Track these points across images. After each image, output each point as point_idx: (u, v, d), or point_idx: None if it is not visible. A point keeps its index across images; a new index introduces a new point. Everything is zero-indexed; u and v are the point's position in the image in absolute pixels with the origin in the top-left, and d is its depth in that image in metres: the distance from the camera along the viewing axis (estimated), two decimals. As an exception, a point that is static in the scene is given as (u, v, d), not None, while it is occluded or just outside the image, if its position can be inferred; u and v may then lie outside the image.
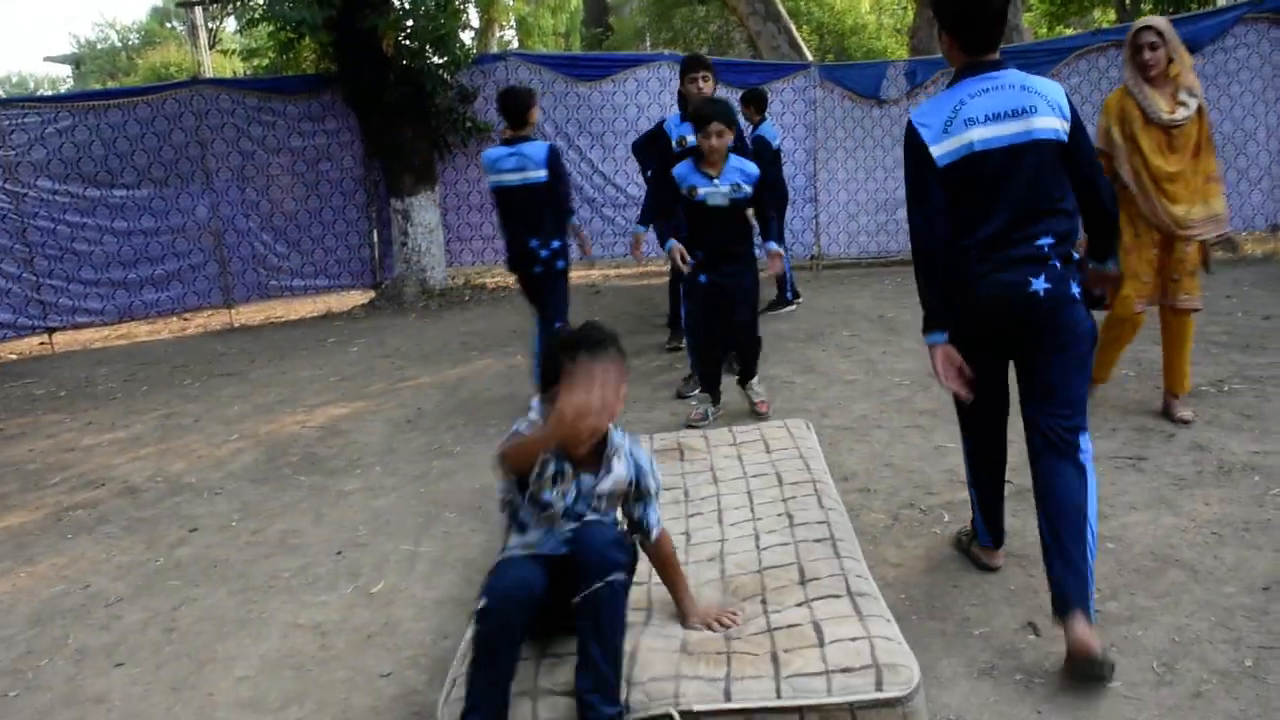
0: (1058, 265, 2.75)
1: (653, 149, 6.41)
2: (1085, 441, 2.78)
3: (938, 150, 2.80)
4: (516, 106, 5.38)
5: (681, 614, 2.65)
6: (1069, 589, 2.61)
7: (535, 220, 5.35)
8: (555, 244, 5.40)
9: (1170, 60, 4.32)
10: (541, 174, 5.29)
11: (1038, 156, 2.75)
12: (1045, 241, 2.75)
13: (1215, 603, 2.94)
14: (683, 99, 6.31)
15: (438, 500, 4.38)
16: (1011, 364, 2.94)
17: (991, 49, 2.89)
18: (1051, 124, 2.76)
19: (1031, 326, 2.77)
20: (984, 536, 3.28)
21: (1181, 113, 4.30)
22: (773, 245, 5.07)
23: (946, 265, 2.83)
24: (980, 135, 2.75)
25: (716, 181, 4.87)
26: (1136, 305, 4.52)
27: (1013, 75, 2.84)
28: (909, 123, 2.89)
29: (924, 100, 3.38)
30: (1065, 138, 2.77)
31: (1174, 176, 4.34)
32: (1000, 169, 2.75)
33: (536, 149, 5.33)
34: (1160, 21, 4.37)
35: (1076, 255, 2.83)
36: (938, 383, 2.96)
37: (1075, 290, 2.77)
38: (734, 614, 2.65)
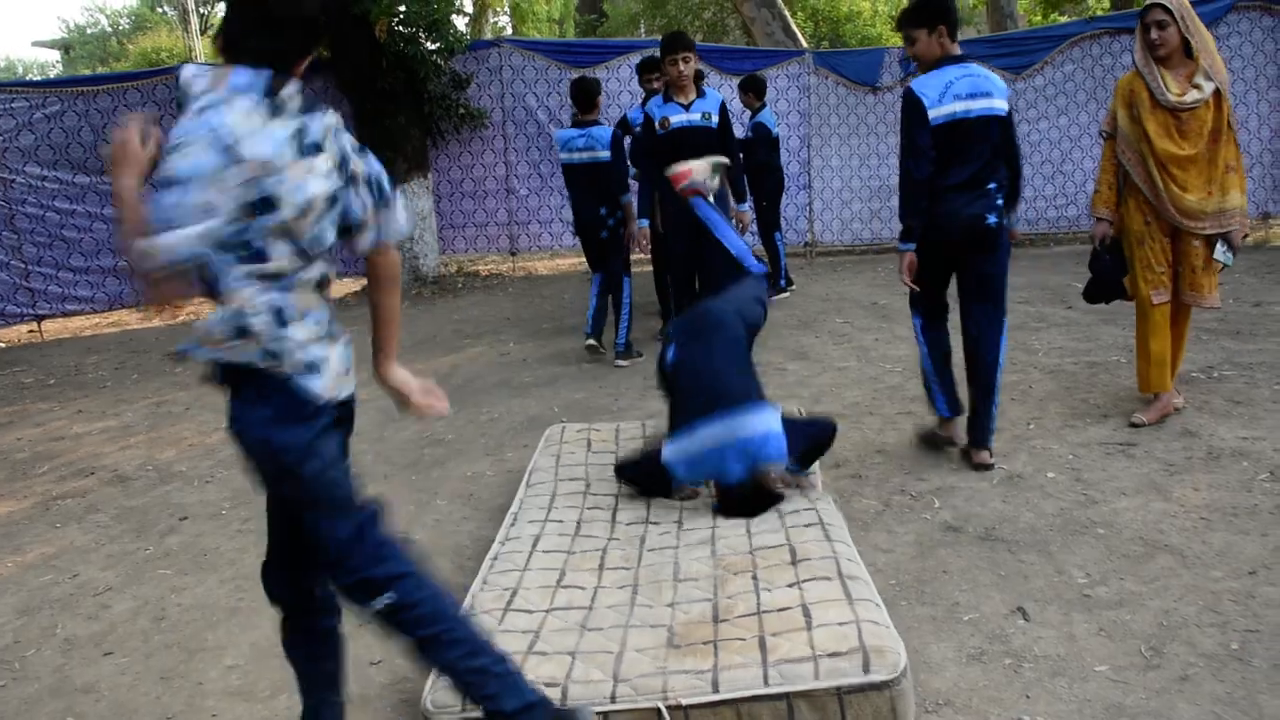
0: (999, 203, 3.93)
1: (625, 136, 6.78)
2: (1005, 321, 4.03)
3: (933, 113, 3.83)
4: (586, 94, 6.43)
5: (375, 365, 2.37)
6: (981, 431, 4.07)
7: (602, 192, 6.34)
8: (620, 213, 6.39)
9: (1185, 40, 4.08)
10: (607, 154, 6.26)
11: (994, 127, 3.87)
12: (993, 186, 3.91)
13: (1203, 587, 2.95)
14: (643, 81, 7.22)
15: (429, 488, 4.37)
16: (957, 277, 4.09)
17: (954, 41, 3.95)
18: (1002, 104, 3.89)
19: (984, 245, 3.94)
20: (941, 406, 4.23)
21: (1192, 95, 4.07)
22: (743, 207, 5.88)
23: (924, 199, 3.91)
24: (963, 107, 3.82)
25: (689, 110, 5.50)
26: (1153, 296, 4.30)
27: (976, 67, 3.91)
28: (910, 89, 3.89)
29: (917, 77, 3.97)
30: (1005, 115, 3.91)
31: (1183, 162, 4.13)
32: (972, 133, 3.85)
33: (604, 132, 6.32)
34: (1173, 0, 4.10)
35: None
36: (901, 279, 4.05)
37: (1001, 220, 3.94)
38: (437, 398, 2.40)
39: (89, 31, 34.81)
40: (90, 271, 9.14)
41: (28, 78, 31.28)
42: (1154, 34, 4.10)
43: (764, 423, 3.26)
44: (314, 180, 1.97)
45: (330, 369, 2.11)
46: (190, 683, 2.90)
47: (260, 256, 1.93)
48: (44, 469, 5.10)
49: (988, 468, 4.02)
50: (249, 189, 1.86)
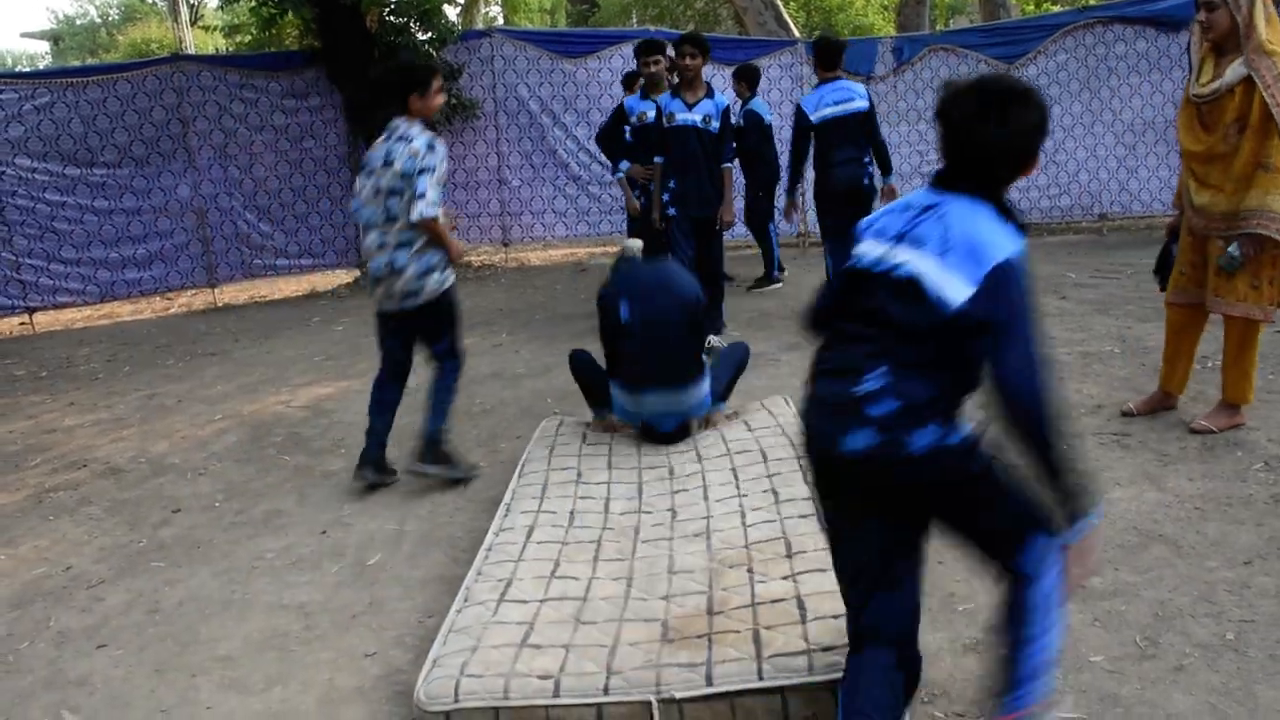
0: (871, 170, 6.38)
1: (617, 130, 7.07)
2: None
3: (814, 115, 6.32)
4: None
5: None
6: None
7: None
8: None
9: (1237, 23, 3.69)
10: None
11: (856, 121, 6.30)
12: (867, 160, 6.40)
13: (1198, 577, 2.95)
14: (633, 77, 7.58)
15: (422, 479, 4.36)
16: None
17: (836, 69, 6.43)
18: (863, 104, 6.29)
19: (861, 197, 6.27)
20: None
21: (1213, 85, 3.76)
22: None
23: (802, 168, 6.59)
24: (833, 110, 6.25)
25: (691, 110, 5.93)
26: (1169, 296, 4.14)
27: (845, 81, 6.47)
28: (799, 104, 6.55)
29: (811, 94, 6.46)
30: (866, 110, 6.29)
31: (1201, 157, 3.84)
32: (846, 124, 6.29)
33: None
34: None
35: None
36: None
37: (872, 181, 6.42)
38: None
39: (78, 23, 34.56)
40: (81, 263, 9.08)
41: (17, 69, 31.06)
42: (1202, 15, 3.78)
43: (701, 391, 4.05)
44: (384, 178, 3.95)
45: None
46: (184, 675, 2.89)
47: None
48: (36, 461, 5.08)
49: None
50: None
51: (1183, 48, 9.44)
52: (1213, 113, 3.80)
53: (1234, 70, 3.70)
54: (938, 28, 19.41)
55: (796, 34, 13.26)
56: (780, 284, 8.17)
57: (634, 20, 21.26)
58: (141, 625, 3.22)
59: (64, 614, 3.35)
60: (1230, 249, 3.76)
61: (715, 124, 5.97)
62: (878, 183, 6.53)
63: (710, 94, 6.04)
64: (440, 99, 4.11)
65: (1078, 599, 2.87)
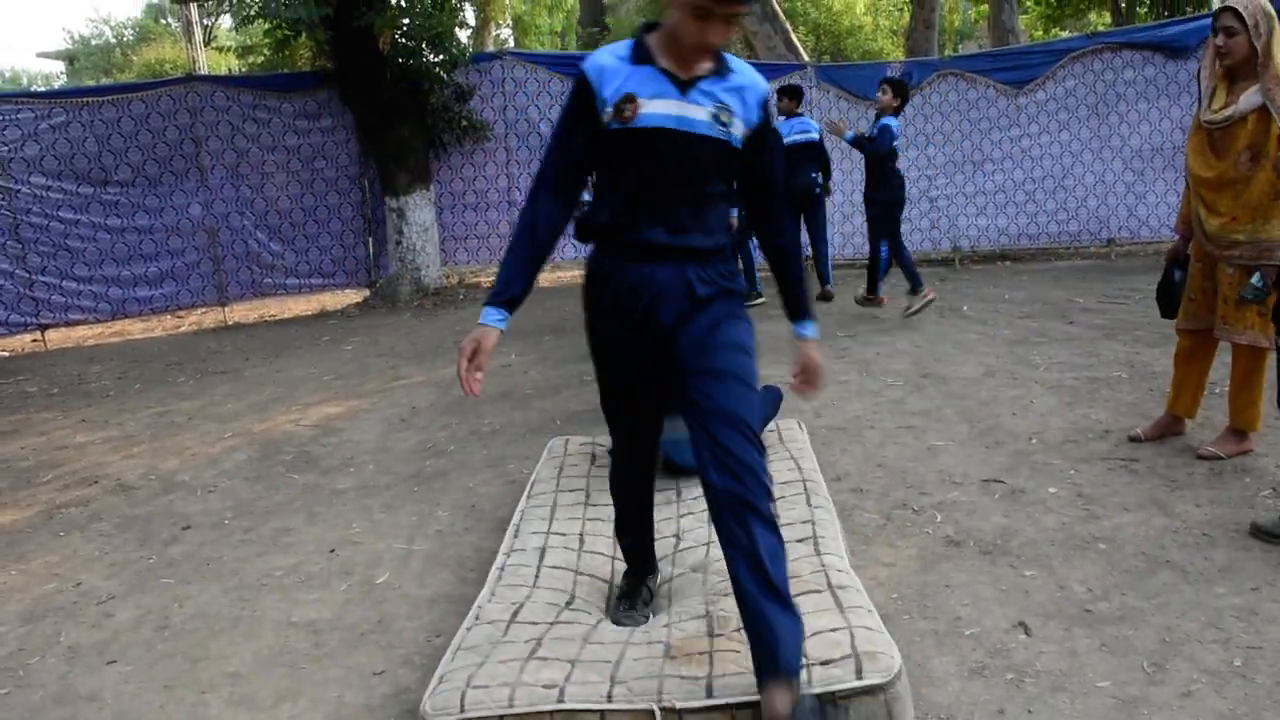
0: (817, 178, 8.34)
1: None
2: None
3: (786, 140, 7.83)
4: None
5: None
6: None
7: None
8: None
9: (1255, 50, 3.66)
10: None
11: (811, 146, 8.39)
12: (814, 172, 8.33)
13: (1205, 603, 2.95)
14: None
15: (431, 499, 4.38)
16: None
17: (798, 109, 8.32)
18: (814, 135, 8.48)
19: (810, 198, 8.36)
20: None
21: (1226, 112, 3.74)
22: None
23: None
24: (794, 138, 8.12)
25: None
26: (1179, 322, 4.13)
27: (805, 118, 8.49)
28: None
29: (782, 124, 7.91)
30: (816, 139, 8.48)
31: (1211, 183, 3.82)
32: (802, 148, 8.31)
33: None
34: (1248, 4, 3.67)
35: None
36: None
37: (818, 186, 8.37)
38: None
39: (93, 43, 34.91)
40: (94, 281, 9.17)
41: (33, 89, 31.40)
42: (1219, 40, 3.74)
43: None
44: None
45: None
46: (193, 691, 2.90)
47: None
48: (47, 478, 5.11)
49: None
50: None
51: (1191, 74, 9.48)
52: (1224, 139, 3.78)
53: (1248, 98, 3.68)
54: (946, 53, 19.51)
55: (806, 58, 13.34)
56: (762, 300, 8.24)
57: (644, 43, 21.37)
58: (151, 641, 3.24)
59: (74, 629, 3.36)
60: (1253, 279, 3.72)
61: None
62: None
63: None
64: None
65: (1085, 623, 2.87)
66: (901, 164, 10.41)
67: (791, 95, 8.56)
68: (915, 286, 7.36)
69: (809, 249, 8.71)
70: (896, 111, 7.50)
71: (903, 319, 7.40)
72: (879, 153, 7.41)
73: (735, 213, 5.97)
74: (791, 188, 7.92)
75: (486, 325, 2.40)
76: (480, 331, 2.39)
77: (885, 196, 7.54)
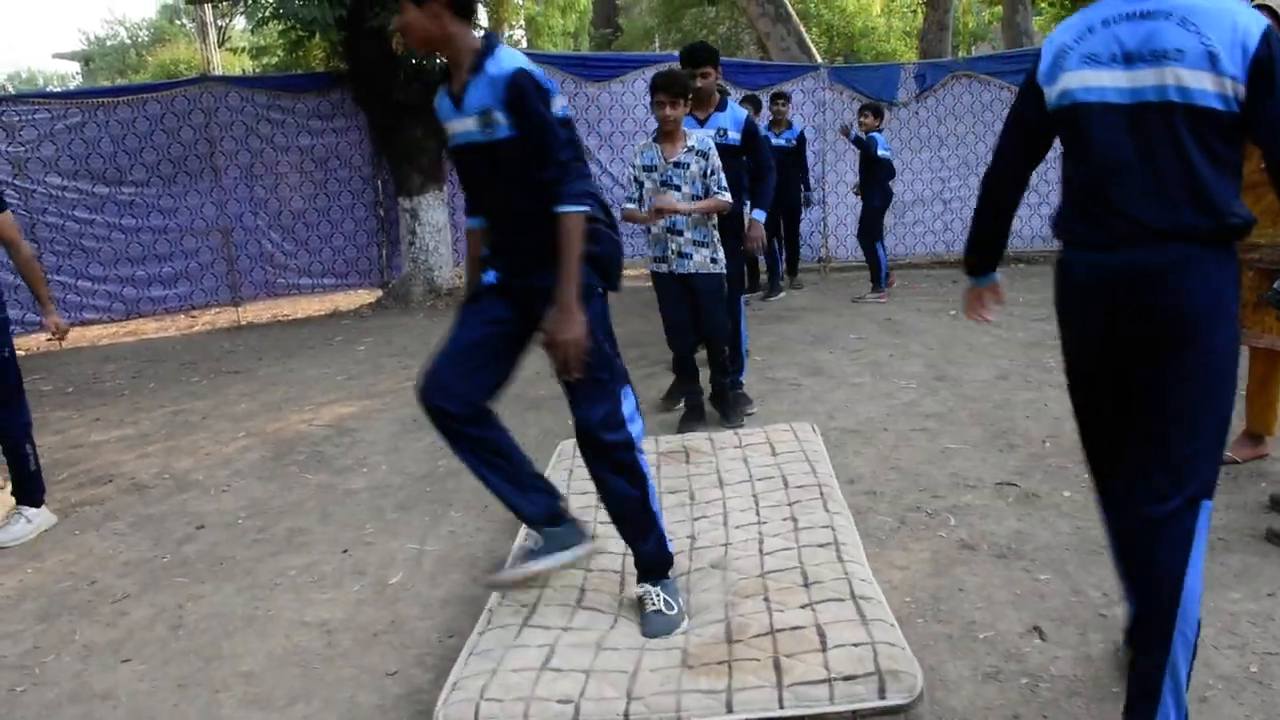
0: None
1: None
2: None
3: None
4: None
5: None
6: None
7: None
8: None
9: None
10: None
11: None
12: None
13: (1221, 609, 2.93)
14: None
15: (444, 499, 4.39)
16: None
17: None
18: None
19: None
20: None
21: None
22: (756, 215, 5.52)
23: None
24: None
25: (703, 126, 5.31)
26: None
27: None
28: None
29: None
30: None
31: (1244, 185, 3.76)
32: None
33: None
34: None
35: None
36: None
37: None
38: None
39: (108, 44, 35.09)
40: (108, 280, 9.21)
41: (49, 89, 31.57)
42: None
43: None
44: None
45: None
46: (207, 690, 2.92)
47: None
48: (63, 476, 5.14)
49: None
50: None
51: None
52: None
53: None
54: (960, 54, 19.45)
55: (819, 59, 13.33)
56: (784, 293, 9.03)
57: (656, 44, 21.42)
58: (165, 640, 3.25)
59: (89, 628, 3.38)
60: (1276, 284, 3.64)
61: (733, 136, 5.36)
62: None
63: (723, 106, 5.44)
64: None
65: (1099, 627, 2.86)
66: (915, 165, 10.44)
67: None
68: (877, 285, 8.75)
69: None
70: (878, 129, 8.75)
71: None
72: (872, 151, 8.56)
73: (761, 216, 5.62)
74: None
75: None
76: None
77: (877, 201, 8.70)
